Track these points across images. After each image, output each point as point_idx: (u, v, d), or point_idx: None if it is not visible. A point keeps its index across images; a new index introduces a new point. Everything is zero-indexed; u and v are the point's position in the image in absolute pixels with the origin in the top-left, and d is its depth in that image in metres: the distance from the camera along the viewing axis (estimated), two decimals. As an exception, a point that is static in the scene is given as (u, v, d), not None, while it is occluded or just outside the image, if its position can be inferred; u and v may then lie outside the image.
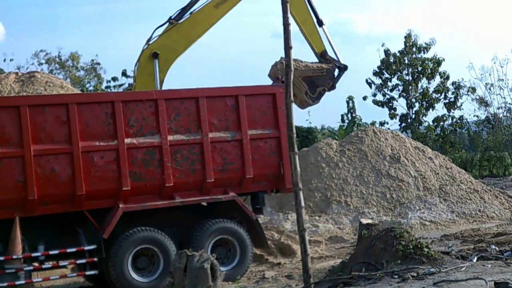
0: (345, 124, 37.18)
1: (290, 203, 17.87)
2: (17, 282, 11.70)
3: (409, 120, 39.38)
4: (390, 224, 10.74)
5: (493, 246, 12.08)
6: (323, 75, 17.81)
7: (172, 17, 16.87)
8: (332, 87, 18.03)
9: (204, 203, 13.34)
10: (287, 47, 10.30)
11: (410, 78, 39.14)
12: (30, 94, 20.43)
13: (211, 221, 13.07)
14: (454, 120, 39.31)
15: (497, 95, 40.10)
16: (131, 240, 12.29)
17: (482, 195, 20.85)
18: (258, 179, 13.56)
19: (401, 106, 39.65)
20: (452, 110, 39.17)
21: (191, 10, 16.96)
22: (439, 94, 39.02)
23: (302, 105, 18.08)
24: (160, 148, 12.70)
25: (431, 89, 39.06)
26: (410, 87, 38.85)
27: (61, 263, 12.24)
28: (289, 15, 10.31)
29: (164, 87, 16.53)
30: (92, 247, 12.12)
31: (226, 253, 13.23)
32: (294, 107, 10.55)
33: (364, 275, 9.52)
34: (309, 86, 17.62)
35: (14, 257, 11.56)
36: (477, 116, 40.29)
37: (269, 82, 16.79)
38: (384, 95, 39.67)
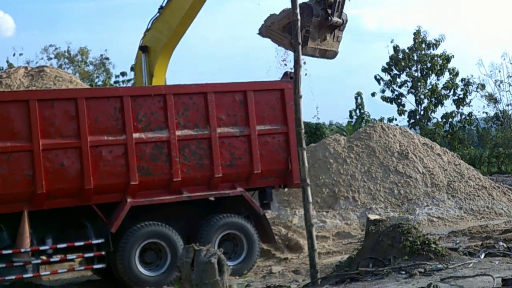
0: (354, 120, 37.12)
1: (298, 199, 17.91)
2: (25, 275, 11.77)
3: (417, 117, 39.28)
4: (398, 220, 10.74)
5: (501, 243, 12.07)
6: (300, 15, 15.90)
7: (161, 7, 16.35)
8: (327, 20, 14.57)
9: (212, 198, 13.35)
10: (296, 43, 10.31)
11: (419, 75, 39.03)
12: (39, 88, 20.48)
13: (218, 216, 13.09)
14: (463, 116, 39.17)
15: (506, 91, 39.95)
16: (139, 234, 12.33)
17: (490, 191, 20.81)
18: (266, 175, 13.57)
19: (409, 102, 39.59)
20: (461, 107, 39.04)
21: None
22: (448, 91, 38.89)
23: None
24: (168, 143, 12.73)
25: (440, 86, 38.94)
26: (419, 84, 38.73)
27: (69, 256, 12.28)
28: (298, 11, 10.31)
29: (173, 82, 16.43)
30: (100, 241, 12.17)
31: (233, 248, 13.25)
32: (301, 102, 10.49)
33: (371, 270, 9.53)
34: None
35: (22, 250, 11.62)
36: (486, 113, 40.17)
37: (272, 76, 16.38)
38: (392, 91, 39.58)
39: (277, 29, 14.58)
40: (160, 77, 16.44)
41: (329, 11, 14.26)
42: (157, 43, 16.34)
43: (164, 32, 16.23)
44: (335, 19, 14.39)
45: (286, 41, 14.40)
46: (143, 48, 16.53)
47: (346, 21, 14.91)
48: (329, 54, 14.91)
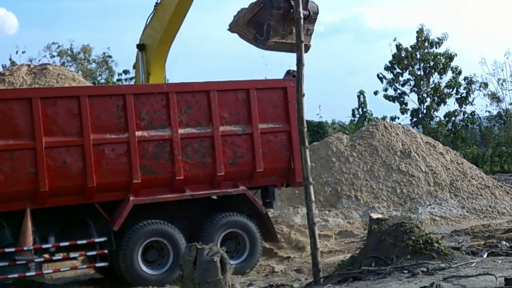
0: (356, 119, 37.07)
1: (300, 197, 17.89)
2: (28, 274, 11.78)
3: (420, 115, 39.23)
4: (400, 219, 10.73)
5: (504, 242, 12.07)
6: (262, 8, 14.23)
7: (156, 3, 16.09)
8: (289, 12, 13.62)
9: (214, 197, 13.35)
10: (299, 41, 10.30)
11: (422, 73, 38.98)
12: (42, 86, 20.49)
13: (221, 214, 13.09)
14: (466, 115, 39.13)
15: (509, 90, 39.91)
16: (141, 232, 12.34)
17: (493, 190, 20.79)
18: (268, 173, 13.56)
19: (412, 101, 39.54)
20: (464, 106, 38.99)
21: None
22: (450, 89, 38.84)
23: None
24: (171, 141, 12.72)
25: (442, 84, 38.89)
26: (421, 82, 38.68)
27: (72, 255, 12.31)
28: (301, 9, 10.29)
29: (173, 81, 16.31)
30: (102, 239, 12.18)
31: (235, 246, 13.25)
32: (304, 101, 10.47)
33: (373, 269, 9.52)
34: (258, 29, 14.33)
35: (25, 248, 11.62)
36: (489, 112, 40.11)
37: (272, 72, 16.17)
38: (395, 90, 39.53)
39: (242, 24, 14.27)
40: (157, 76, 16.23)
41: (293, 3, 13.09)
42: (153, 41, 16.17)
43: (158, 29, 16.04)
44: (300, 11, 12.96)
45: (251, 35, 14.21)
46: (140, 46, 16.43)
47: (316, 12, 14.32)
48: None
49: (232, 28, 14.46)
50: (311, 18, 14.18)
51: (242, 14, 14.14)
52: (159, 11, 15.96)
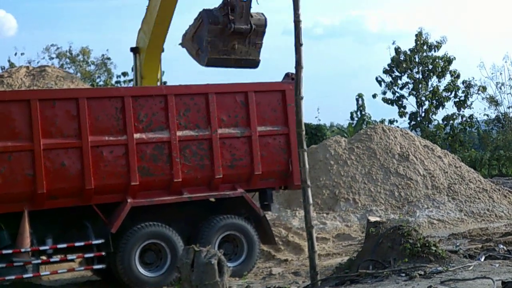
0: (354, 122, 37.11)
1: (298, 200, 17.87)
2: (25, 275, 11.77)
3: (418, 119, 39.28)
4: (398, 222, 10.73)
5: (501, 246, 12.06)
6: (201, 23, 13.88)
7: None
8: (227, 27, 13.27)
9: (212, 199, 13.35)
10: (298, 44, 10.30)
11: (420, 76, 39.03)
12: (40, 88, 20.51)
13: (219, 217, 13.09)
14: (464, 119, 39.19)
15: (507, 94, 39.98)
16: (139, 234, 12.33)
17: (491, 194, 20.80)
18: (266, 176, 13.57)
19: (410, 104, 39.60)
20: (462, 109, 39.05)
21: None
22: (449, 93, 38.90)
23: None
24: (169, 144, 12.73)
25: (441, 88, 38.96)
26: (420, 85, 38.73)
27: (69, 256, 12.28)
28: (300, 12, 10.30)
29: (172, 82, 16.27)
30: (100, 241, 12.17)
31: (233, 249, 13.25)
32: (303, 104, 10.46)
33: (371, 273, 9.52)
34: (199, 45, 14.02)
35: (22, 250, 11.62)
36: (487, 115, 40.17)
37: (270, 75, 16.27)
38: (394, 93, 39.58)
39: (188, 39, 14.07)
40: (150, 79, 16.15)
41: (231, 17, 13.25)
42: (144, 44, 16.13)
43: (146, 32, 15.97)
44: (239, 25, 13.29)
45: (194, 51, 13.96)
46: (133, 49, 16.38)
47: (264, 25, 13.87)
48: (246, 63, 13.98)
49: (183, 43, 14.26)
50: (258, 31, 13.77)
51: (189, 29, 13.87)
52: (146, 14, 15.89)
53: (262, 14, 14.02)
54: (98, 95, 12.80)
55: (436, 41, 38.97)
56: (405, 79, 39.38)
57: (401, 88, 39.54)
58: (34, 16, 77.04)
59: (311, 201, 10.24)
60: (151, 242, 12.46)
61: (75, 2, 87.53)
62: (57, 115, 12.07)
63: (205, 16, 13.51)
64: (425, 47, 38.91)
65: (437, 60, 38.64)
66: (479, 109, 60.61)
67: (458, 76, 38.90)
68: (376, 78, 39.70)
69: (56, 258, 12.16)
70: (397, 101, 39.49)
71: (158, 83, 16.32)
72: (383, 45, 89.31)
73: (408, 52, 38.86)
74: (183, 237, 12.72)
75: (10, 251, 11.63)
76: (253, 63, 14.24)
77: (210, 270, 8.17)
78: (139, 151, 12.51)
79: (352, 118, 37.95)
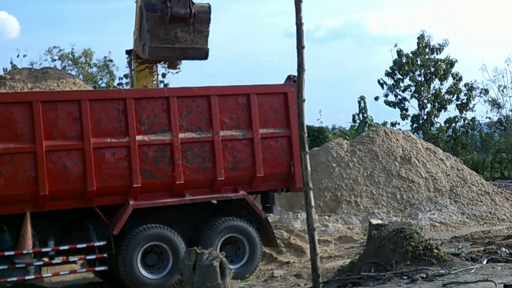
0: (356, 124, 37.08)
1: (300, 203, 17.89)
2: (27, 277, 11.77)
3: (420, 121, 39.24)
4: (400, 225, 10.72)
5: (503, 249, 12.05)
6: (142, 15, 13.70)
7: None
8: (165, 13, 13.02)
9: (214, 201, 13.36)
10: (300, 47, 10.29)
11: (423, 79, 39.00)
12: (43, 90, 20.50)
13: (220, 219, 13.09)
14: (466, 121, 39.13)
15: (510, 97, 39.90)
16: (141, 236, 12.33)
17: (493, 197, 20.79)
18: (268, 178, 13.56)
19: (413, 107, 39.56)
20: (464, 112, 39.00)
21: None
22: (451, 95, 38.85)
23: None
24: (171, 146, 12.73)
25: (443, 90, 38.91)
26: (422, 88, 38.70)
27: (71, 258, 12.30)
28: (302, 14, 10.29)
29: (174, 85, 16.22)
30: (102, 243, 12.17)
31: (235, 251, 13.25)
32: (305, 106, 10.46)
33: (373, 275, 9.52)
34: (144, 39, 13.89)
35: (25, 252, 11.63)
36: (489, 118, 40.09)
37: (272, 77, 16.14)
38: (396, 95, 39.54)
39: (136, 39, 14.01)
40: (143, 81, 16.11)
41: (169, 4, 12.98)
42: (134, 45, 16.05)
43: (135, 36, 15.82)
44: (177, 10, 12.93)
45: (141, 48, 13.80)
46: (128, 52, 16.34)
47: (208, 12, 13.51)
48: (193, 53, 13.56)
49: (134, 47, 14.05)
50: (202, 18, 13.48)
51: (134, 28, 13.69)
52: (134, 18, 15.87)
53: (208, 3, 13.66)
54: (100, 97, 12.79)
55: (438, 44, 38.96)
56: (407, 81, 39.35)
57: (403, 91, 39.51)
58: (36, 18, 77.20)
59: (313, 203, 10.23)
60: (153, 244, 12.46)
61: (77, 4, 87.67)
62: (59, 117, 12.08)
63: (143, 6, 13.25)
64: (427, 50, 38.89)
65: (439, 63, 38.61)
66: (481, 111, 60.58)
67: (460, 79, 38.87)
68: (378, 81, 39.70)
69: (58, 260, 12.17)
70: (399, 104, 39.46)
71: (153, 85, 16.30)
72: (385, 47, 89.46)
73: (410, 55, 38.85)
74: (185, 239, 12.72)
75: (12, 253, 11.64)
76: (202, 53, 13.89)
77: (212, 272, 8.18)
78: (141, 153, 12.52)
79: (354, 120, 37.94)
